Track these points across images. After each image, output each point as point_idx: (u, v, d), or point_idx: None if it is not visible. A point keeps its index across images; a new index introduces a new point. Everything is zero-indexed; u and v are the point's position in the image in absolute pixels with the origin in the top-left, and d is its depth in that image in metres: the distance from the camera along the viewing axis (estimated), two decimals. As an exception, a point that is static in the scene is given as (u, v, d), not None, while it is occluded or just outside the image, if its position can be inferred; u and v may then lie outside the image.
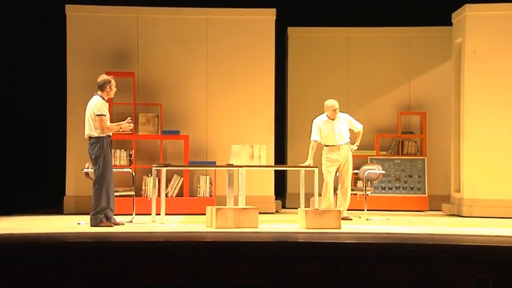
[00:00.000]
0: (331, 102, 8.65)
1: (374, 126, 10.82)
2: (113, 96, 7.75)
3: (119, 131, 7.63)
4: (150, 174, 9.37)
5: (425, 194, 10.50)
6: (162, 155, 9.56)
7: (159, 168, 8.13)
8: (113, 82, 7.58)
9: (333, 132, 8.61)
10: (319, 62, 10.98)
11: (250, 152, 8.09)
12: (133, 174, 8.53)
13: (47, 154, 10.75)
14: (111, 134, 7.60)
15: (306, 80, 10.99)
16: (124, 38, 9.82)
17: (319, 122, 8.68)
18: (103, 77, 7.62)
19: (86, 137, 7.59)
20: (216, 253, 5.79)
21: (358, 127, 8.77)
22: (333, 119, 8.63)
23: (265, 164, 8.35)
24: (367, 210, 8.89)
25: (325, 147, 8.66)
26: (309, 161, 8.54)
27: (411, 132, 10.80)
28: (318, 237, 6.60)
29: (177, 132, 9.65)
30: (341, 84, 10.93)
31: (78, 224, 7.76)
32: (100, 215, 7.42)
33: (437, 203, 10.27)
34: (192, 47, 9.93)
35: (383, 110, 10.88)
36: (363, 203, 8.84)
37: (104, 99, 7.56)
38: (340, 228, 7.29)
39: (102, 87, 7.57)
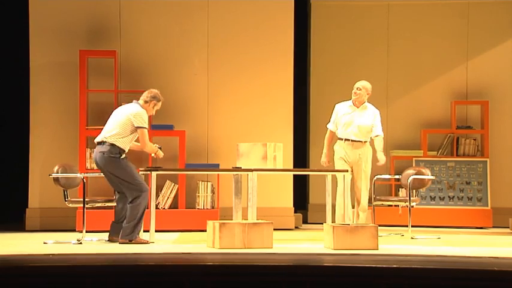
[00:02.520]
0: (359, 82, 8.77)
1: (421, 119, 10.79)
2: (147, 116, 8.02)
3: (155, 153, 8.03)
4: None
5: (487, 206, 10.47)
6: (152, 156, 9.58)
7: (148, 172, 8.16)
8: (161, 104, 8.02)
9: (353, 122, 8.66)
10: (350, 37, 10.97)
11: (263, 152, 8.10)
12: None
13: (4, 155, 10.79)
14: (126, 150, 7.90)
15: (334, 61, 10.98)
16: (103, 8, 9.85)
17: (340, 106, 8.80)
18: (154, 91, 7.99)
19: (98, 140, 7.79)
20: (220, 280, 5.81)
21: (377, 131, 8.72)
22: (357, 106, 8.67)
23: (281, 168, 8.35)
24: (412, 226, 8.87)
25: (338, 142, 8.75)
26: (324, 158, 8.78)
27: (469, 127, 10.77)
28: (350, 260, 6.59)
29: (171, 127, 9.67)
30: (378, 66, 10.90)
31: (45, 243, 7.80)
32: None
33: (504, 217, 10.24)
34: (189, 20, 9.95)
35: (432, 99, 10.85)
36: (406, 218, 8.82)
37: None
38: (377, 249, 7.29)
39: (147, 99, 7.93)
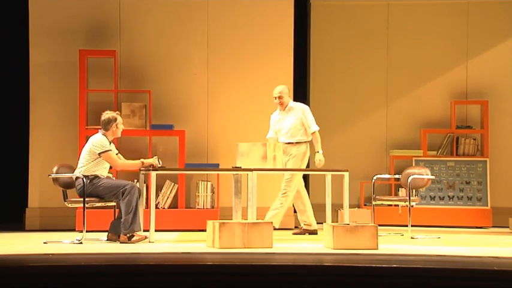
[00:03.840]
0: (276, 89, 8.92)
1: (420, 119, 10.78)
2: (120, 136, 8.16)
3: (146, 167, 8.05)
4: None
5: (487, 205, 10.46)
6: (151, 156, 9.57)
7: (147, 172, 8.16)
8: (120, 119, 8.11)
9: (283, 125, 8.87)
10: (349, 37, 10.96)
11: (263, 152, 8.10)
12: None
13: (4, 155, 10.79)
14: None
15: (334, 60, 10.98)
16: (103, 8, 9.85)
17: (273, 116, 9.02)
18: (108, 114, 8.09)
19: (74, 177, 7.92)
20: (219, 280, 5.80)
21: (312, 127, 8.90)
22: (284, 110, 8.88)
23: (281, 167, 8.34)
24: (412, 226, 8.87)
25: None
26: None
27: (469, 127, 10.76)
28: (349, 260, 6.59)
29: (170, 126, 9.67)
30: (378, 66, 10.89)
31: (45, 243, 7.80)
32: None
33: (503, 217, 10.23)
34: (189, 20, 9.95)
35: (432, 99, 10.84)
36: (406, 217, 8.82)
37: (107, 138, 8.02)
38: (377, 248, 7.29)
39: (106, 125, 8.05)
